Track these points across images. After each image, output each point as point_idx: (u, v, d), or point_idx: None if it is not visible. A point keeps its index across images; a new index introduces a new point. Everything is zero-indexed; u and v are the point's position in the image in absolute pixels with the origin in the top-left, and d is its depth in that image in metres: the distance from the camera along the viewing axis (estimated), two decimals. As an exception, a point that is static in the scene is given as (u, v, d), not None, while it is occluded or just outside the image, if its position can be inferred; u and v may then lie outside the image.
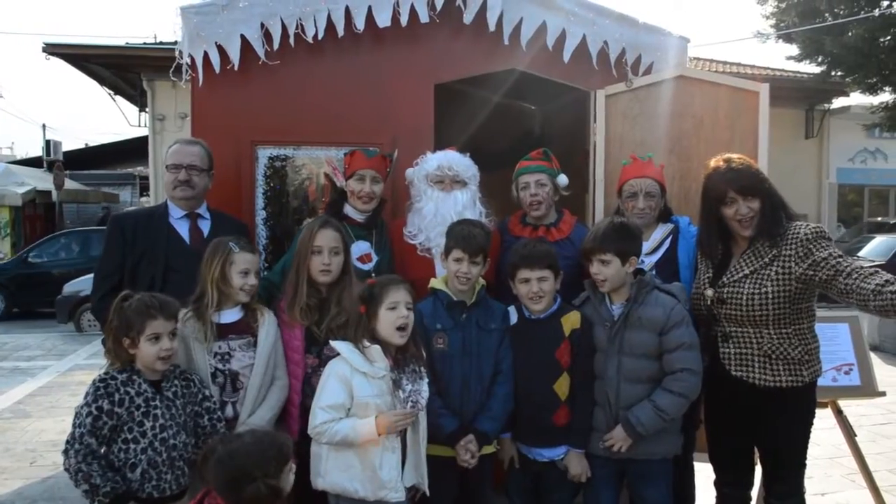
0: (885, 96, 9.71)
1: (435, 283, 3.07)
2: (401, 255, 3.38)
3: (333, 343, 2.71)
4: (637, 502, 3.04)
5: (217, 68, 3.72)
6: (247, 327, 2.89)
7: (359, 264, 3.22)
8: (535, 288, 2.94)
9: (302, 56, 3.81)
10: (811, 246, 2.73)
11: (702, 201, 3.00)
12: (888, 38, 7.94)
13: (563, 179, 3.46)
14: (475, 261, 2.95)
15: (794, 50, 9.95)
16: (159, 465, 2.52)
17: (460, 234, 2.97)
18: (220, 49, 3.70)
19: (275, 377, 2.93)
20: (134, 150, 21.05)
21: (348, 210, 3.35)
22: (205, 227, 3.31)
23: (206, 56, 3.71)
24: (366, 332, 2.68)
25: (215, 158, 3.63)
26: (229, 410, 2.82)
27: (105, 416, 2.45)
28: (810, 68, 10.19)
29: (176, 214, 3.28)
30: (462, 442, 2.84)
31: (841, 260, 2.67)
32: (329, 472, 2.64)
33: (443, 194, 3.33)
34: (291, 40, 3.73)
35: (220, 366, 2.82)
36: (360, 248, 3.28)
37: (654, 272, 3.14)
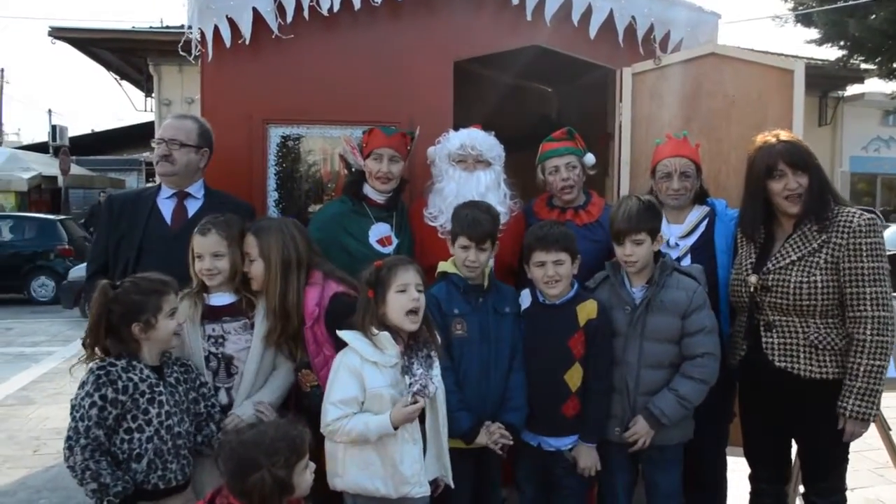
0: (906, 81, 9.52)
1: (444, 266, 2.91)
2: (420, 238, 3.23)
3: (340, 333, 2.54)
4: (651, 491, 2.94)
5: (227, 43, 3.55)
6: (244, 310, 2.76)
7: (378, 247, 3.09)
8: (551, 272, 2.80)
9: (316, 30, 3.63)
10: (862, 242, 2.61)
11: (747, 177, 2.87)
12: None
13: (590, 158, 3.32)
14: (482, 247, 2.80)
15: (811, 34, 9.73)
16: (165, 454, 2.40)
17: (465, 220, 2.81)
18: (231, 22, 3.52)
19: (277, 363, 2.79)
20: (140, 135, 20.91)
21: (368, 191, 3.20)
22: (192, 206, 3.13)
23: (216, 30, 3.53)
24: (374, 318, 2.52)
25: (225, 137, 3.50)
26: (223, 396, 2.70)
27: (110, 406, 2.31)
28: (829, 53, 9.98)
29: (164, 194, 3.14)
30: (494, 436, 2.71)
31: (868, 290, 2.60)
32: (347, 471, 2.48)
33: (465, 174, 3.16)
34: (306, 13, 3.55)
35: (213, 349, 2.69)
36: (379, 230, 3.14)
37: (688, 256, 3.00)
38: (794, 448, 2.94)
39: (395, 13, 3.70)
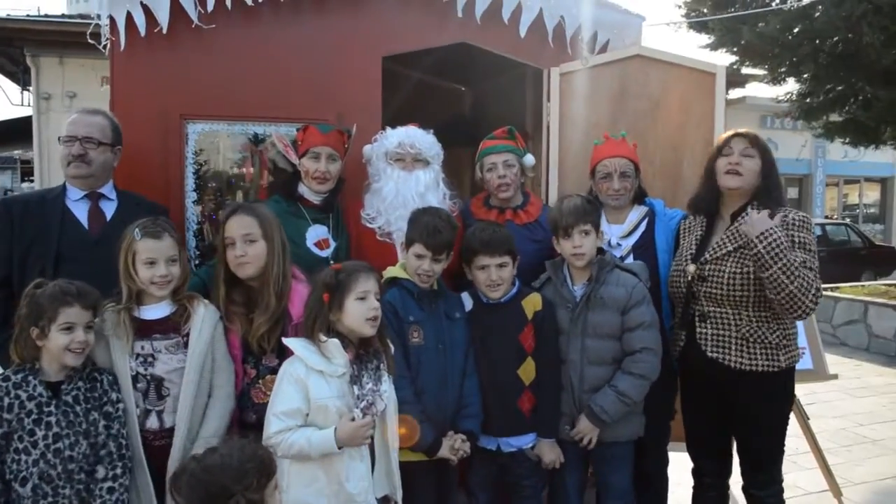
0: (788, 86, 10.06)
1: (393, 271, 2.81)
2: (357, 241, 3.11)
3: (286, 341, 2.40)
4: (602, 489, 2.95)
5: (142, 31, 3.29)
6: (176, 326, 2.50)
7: (316, 250, 2.94)
8: (494, 276, 2.78)
9: (239, 20, 3.42)
10: (794, 235, 2.67)
11: (707, 161, 2.95)
12: (799, 28, 8.21)
13: (529, 159, 3.28)
14: (438, 258, 2.74)
15: (704, 39, 10.13)
16: (54, 479, 2.21)
17: (425, 228, 2.72)
18: (146, 9, 3.27)
19: (214, 385, 2.53)
20: (15, 131, 19.51)
21: (303, 191, 3.04)
22: (108, 209, 2.90)
23: (129, 17, 3.27)
24: (324, 324, 2.38)
25: (138, 134, 3.27)
26: (153, 421, 2.44)
27: None
28: (721, 58, 10.47)
29: (74, 196, 2.86)
30: (456, 444, 2.65)
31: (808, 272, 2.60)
32: (291, 486, 2.34)
33: (403, 174, 3.06)
34: (228, 2, 3.34)
35: (141, 369, 2.42)
36: (316, 232, 2.99)
37: (631, 255, 3.02)
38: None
39: (321, 5, 3.54)
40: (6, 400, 2.18)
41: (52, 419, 2.23)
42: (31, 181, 16.76)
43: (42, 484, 2.19)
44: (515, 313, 2.83)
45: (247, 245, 2.55)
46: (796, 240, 2.67)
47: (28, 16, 14.25)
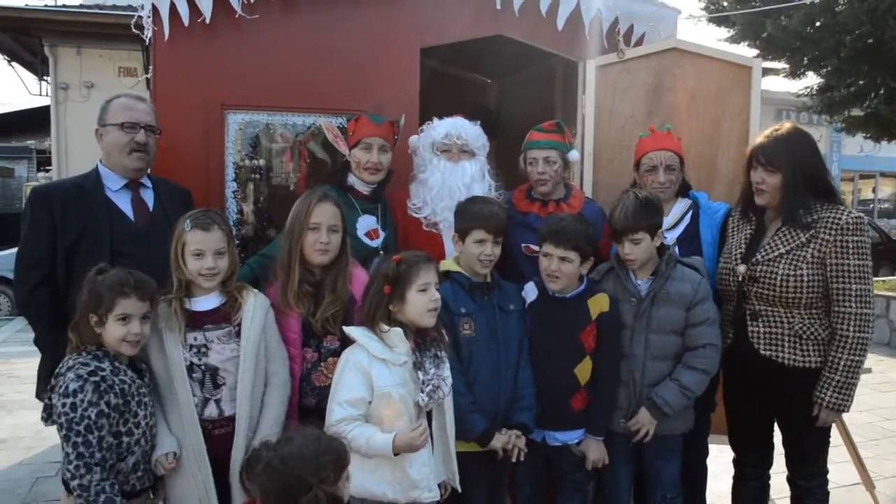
0: (807, 80, 10.00)
1: (447, 264, 2.82)
2: (404, 231, 3.13)
3: (347, 330, 2.41)
4: (653, 480, 2.94)
5: (186, 21, 3.31)
6: (227, 316, 2.49)
7: (366, 240, 2.96)
8: (554, 266, 2.76)
9: (279, 11, 3.45)
10: (849, 239, 2.67)
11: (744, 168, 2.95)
12: (822, 21, 8.16)
13: (573, 155, 3.27)
14: (498, 241, 2.75)
15: (724, 33, 10.07)
16: (147, 454, 2.34)
17: (481, 214, 2.73)
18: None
19: (270, 373, 2.53)
20: (31, 121, 19.58)
21: (353, 181, 3.05)
22: (148, 198, 2.88)
23: (172, 7, 3.29)
24: (384, 314, 2.40)
25: (180, 124, 3.33)
26: (212, 409, 2.44)
27: (113, 412, 2.19)
28: (744, 51, 10.40)
29: (113, 185, 2.81)
30: (511, 440, 2.66)
31: (853, 286, 2.66)
32: (353, 473, 2.35)
33: (450, 164, 3.08)
34: (269, -8, 3.37)
35: (195, 359, 2.43)
36: (366, 222, 3.00)
37: (676, 248, 3.02)
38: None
39: (360, -3, 3.56)
40: (117, 388, 2.21)
41: (147, 399, 2.33)
42: (48, 171, 16.82)
43: (140, 462, 2.29)
44: (580, 311, 2.81)
45: (331, 234, 2.59)
46: (850, 245, 2.67)
47: (46, 6, 14.28)
